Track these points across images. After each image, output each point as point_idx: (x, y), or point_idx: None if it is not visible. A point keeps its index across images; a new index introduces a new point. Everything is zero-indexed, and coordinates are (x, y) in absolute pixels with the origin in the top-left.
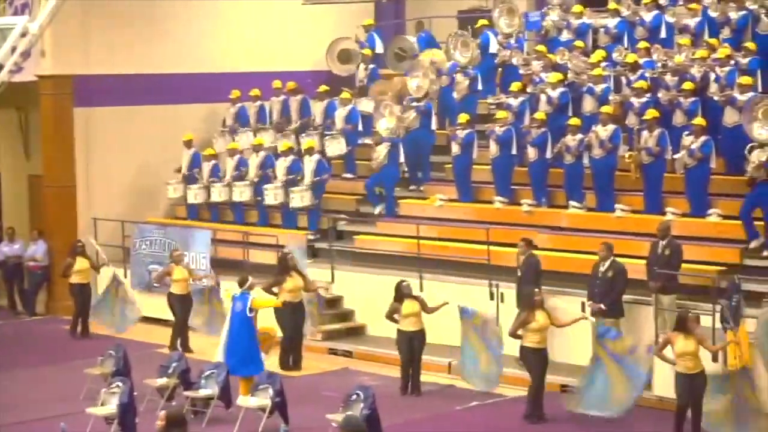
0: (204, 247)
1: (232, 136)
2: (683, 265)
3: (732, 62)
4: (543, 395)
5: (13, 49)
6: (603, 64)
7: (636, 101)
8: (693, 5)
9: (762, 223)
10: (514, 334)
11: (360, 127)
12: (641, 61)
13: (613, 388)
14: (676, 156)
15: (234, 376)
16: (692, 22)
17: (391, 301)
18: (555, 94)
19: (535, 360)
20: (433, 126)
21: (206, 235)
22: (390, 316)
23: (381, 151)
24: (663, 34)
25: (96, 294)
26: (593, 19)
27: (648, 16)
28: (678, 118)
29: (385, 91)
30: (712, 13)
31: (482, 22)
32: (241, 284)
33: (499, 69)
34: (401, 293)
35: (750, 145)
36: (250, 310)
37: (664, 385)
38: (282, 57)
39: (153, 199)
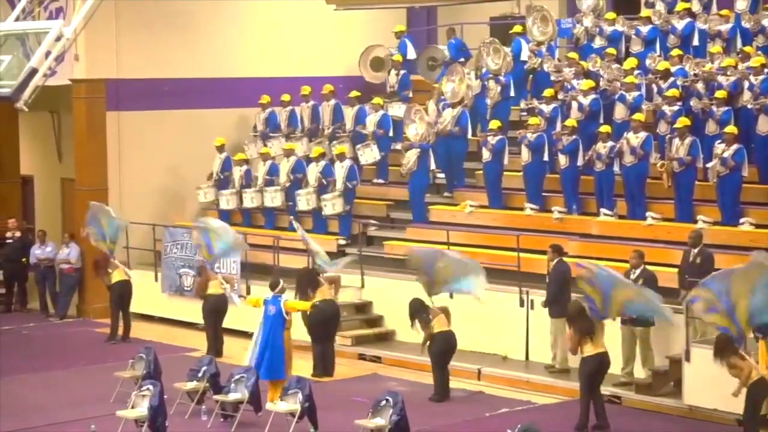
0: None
1: (263, 142)
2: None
3: (766, 71)
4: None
5: (48, 53)
6: (635, 72)
7: (668, 109)
8: (725, 11)
9: None
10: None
11: (391, 133)
12: (673, 69)
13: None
14: (708, 165)
15: (264, 380)
16: (724, 27)
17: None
18: (586, 101)
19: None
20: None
21: None
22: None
23: (410, 157)
24: (696, 42)
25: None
26: (625, 26)
27: (680, 24)
28: (710, 127)
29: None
30: (746, 24)
31: (516, 29)
32: (272, 288)
33: (530, 76)
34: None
35: None
36: (287, 312)
37: (695, 394)
38: (313, 62)
39: (183, 203)
